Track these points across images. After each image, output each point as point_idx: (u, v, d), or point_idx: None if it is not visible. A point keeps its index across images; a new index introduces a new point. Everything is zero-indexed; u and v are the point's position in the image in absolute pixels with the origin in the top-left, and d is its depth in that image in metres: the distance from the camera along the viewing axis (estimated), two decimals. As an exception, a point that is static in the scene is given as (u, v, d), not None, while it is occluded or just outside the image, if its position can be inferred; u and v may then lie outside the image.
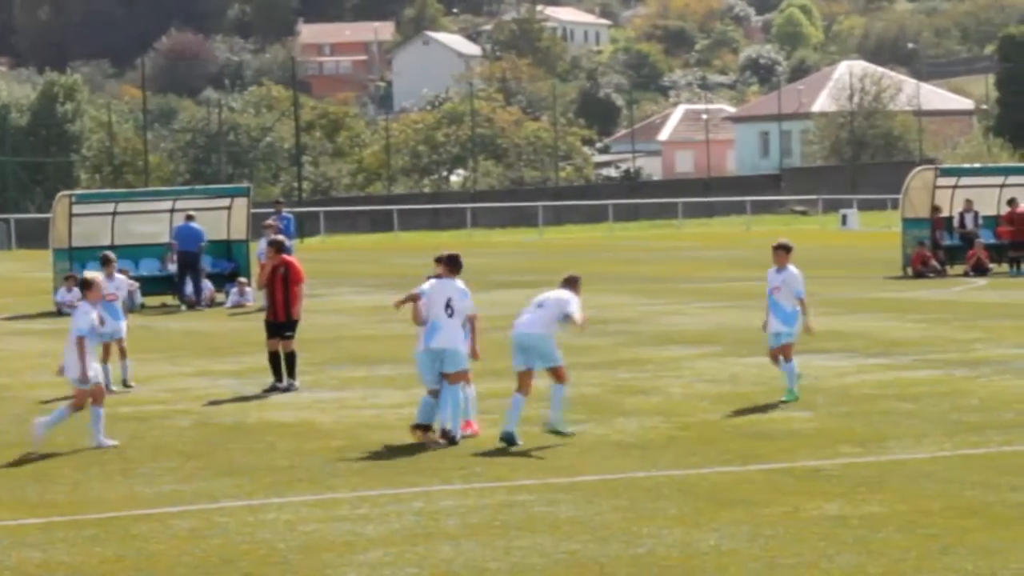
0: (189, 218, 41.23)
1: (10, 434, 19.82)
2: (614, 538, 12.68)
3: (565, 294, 18.25)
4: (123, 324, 23.76)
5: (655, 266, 53.53)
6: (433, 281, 18.30)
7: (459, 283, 18.23)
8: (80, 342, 18.38)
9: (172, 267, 41.63)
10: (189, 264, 40.81)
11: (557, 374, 17.99)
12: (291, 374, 23.20)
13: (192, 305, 40.47)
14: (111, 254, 25.25)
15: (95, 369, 18.71)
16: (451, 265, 18.31)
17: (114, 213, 43.91)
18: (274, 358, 23.26)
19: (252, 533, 13.34)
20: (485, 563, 12.01)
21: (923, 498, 13.97)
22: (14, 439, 19.36)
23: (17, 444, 18.91)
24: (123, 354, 23.87)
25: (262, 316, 24.61)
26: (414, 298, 18.28)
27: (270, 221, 40.38)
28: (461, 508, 14.14)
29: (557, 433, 17.83)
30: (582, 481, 15.30)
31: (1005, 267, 44.87)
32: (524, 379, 17.78)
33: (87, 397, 18.41)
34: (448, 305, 17.92)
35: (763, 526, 12.93)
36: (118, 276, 24.70)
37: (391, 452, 17.40)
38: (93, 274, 19.36)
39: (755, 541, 12.42)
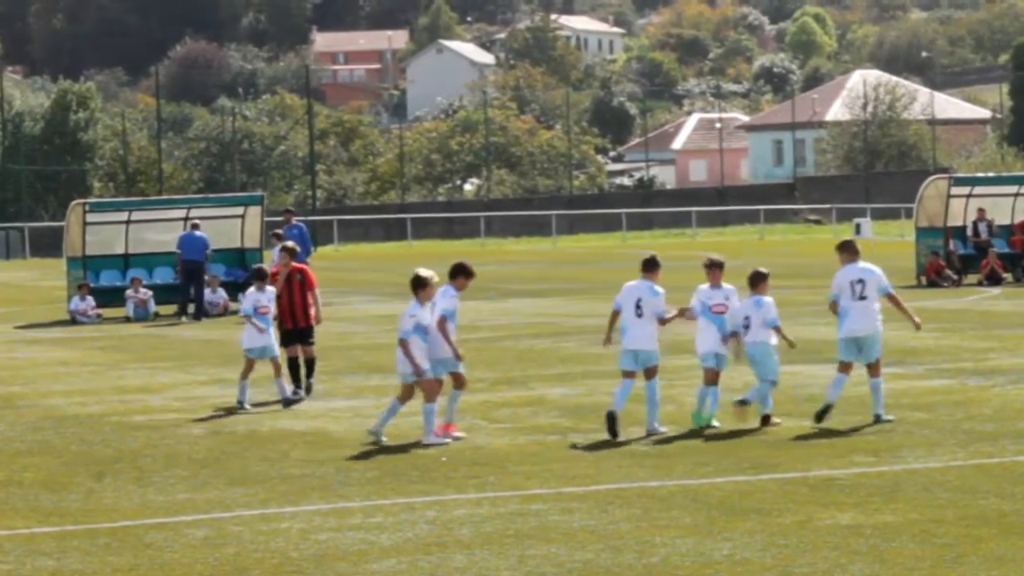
0: (194, 227, 41.11)
1: (25, 442, 19.86)
2: (627, 547, 12.67)
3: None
4: (275, 340, 22.91)
5: (669, 274, 53.39)
6: (628, 284, 19.02)
7: (652, 284, 18.84)
8: (403, 343, 18.49)
9: (185, 275, 41.46)
10: (194, 273, 40.44)
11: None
12: (310, 375, 23.40)
13: (198, 316, 40.11)
14: (265, 268, 24.41)
15: (427, 364, 18.57)
16: (646, 266, 19.02)
17: (128, 221, 44.04)
18: (294, 364, 23.37)
19: (265, 542, 13.35)
20: (498, 572, 12.00)
21: (936, 507, 13.95)
22: (29, 447, 19.41)
23: (31, 452, 18.96)
24: (278, 371, 22.61)
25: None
26: (683, 312, 19.33)
27: (279, 231, 40.36)
28: (475, 517, 14.13)
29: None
30: (596, 490, 15.29)
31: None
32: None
33: (435, 388, 18.62)
34: (637, 305, 18.59)
35: (776, 535, 12.92)
36: (269, 288, 23.12)
37: (404, 461, 17.41)
38: (427, 272, 19.11)
39: (768, 550, 12.40)
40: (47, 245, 73.83)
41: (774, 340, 19.15)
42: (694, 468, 16.39)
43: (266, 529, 13.88)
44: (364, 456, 17.80)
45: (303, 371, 23.41)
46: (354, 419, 20.89)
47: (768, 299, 18.99)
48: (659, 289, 18.77)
